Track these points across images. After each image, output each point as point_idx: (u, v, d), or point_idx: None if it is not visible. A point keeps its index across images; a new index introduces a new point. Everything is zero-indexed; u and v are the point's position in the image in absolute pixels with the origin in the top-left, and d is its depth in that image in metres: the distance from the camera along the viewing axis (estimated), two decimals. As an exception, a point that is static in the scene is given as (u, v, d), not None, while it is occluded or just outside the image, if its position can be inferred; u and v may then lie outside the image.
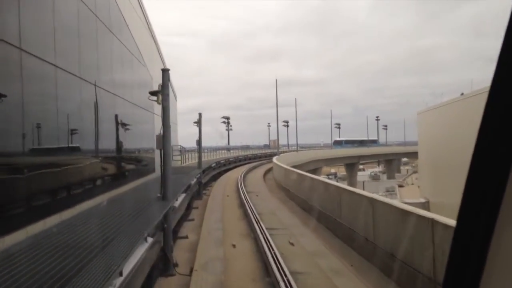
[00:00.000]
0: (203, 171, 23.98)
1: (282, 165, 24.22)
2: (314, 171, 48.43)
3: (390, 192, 51.52)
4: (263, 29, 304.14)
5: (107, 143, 10.13)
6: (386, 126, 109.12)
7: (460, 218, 0.88)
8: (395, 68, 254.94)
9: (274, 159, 34.90)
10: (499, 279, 0.79)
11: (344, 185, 12.38)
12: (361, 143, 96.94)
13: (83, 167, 7.98)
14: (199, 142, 22.46)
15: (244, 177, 30.11)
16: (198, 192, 21.31)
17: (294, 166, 28.52)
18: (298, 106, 76.84)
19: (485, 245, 0.82)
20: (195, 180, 18.14)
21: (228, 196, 20.15)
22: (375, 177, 76.09)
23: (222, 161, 37.78)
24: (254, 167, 42.31)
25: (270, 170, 39.00)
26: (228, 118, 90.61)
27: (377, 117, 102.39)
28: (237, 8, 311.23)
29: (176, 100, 31.16)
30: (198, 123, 22.08)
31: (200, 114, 22.08)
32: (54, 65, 6.33)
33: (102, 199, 8.34)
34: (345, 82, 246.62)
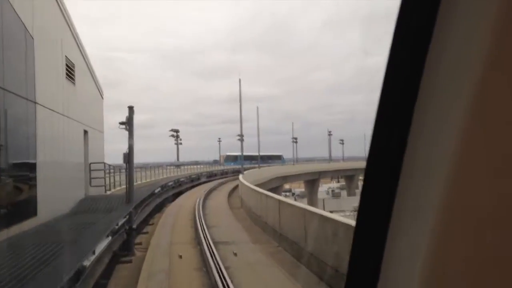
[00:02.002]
0: (138, 205, 14.58)
1: (273, 195, 15.46)
2: (276, 189, 40.92)
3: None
4: (214, 46, 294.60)
5: None
6: (342, 140, 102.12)
7: (359, 216, 0.90)
8: (343, 86, 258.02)
9: (241, 178, 26.16)
10: (395, 269, 0.83)
11: None
12: (261, 159, 79.94)
13: None
14: (128, 157, 12.82)
15: (203, 207, 20.92)
16: (126, 243, 12.02)
17: (258, 185, 23.17)
18: (249, 122, 68.99)
19: (382, 240, 0.85)
20: (105, 244, 8.81)
21: (181, 257, 10.77)
22: (335, 194, 70.39)
23: (170, 183, 27.85)
24: (213, 189, 33.06)
25: (233, 192, 30.44)
26: (177, 131, 79.49)
27: (329, 132, 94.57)
28: (187, 26, 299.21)
29: (102, 97, 21.50)
30: (128, 123, 12.69)
31: (130, 108, 12.72)
32: None
33: None
34: (295, 99, 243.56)
